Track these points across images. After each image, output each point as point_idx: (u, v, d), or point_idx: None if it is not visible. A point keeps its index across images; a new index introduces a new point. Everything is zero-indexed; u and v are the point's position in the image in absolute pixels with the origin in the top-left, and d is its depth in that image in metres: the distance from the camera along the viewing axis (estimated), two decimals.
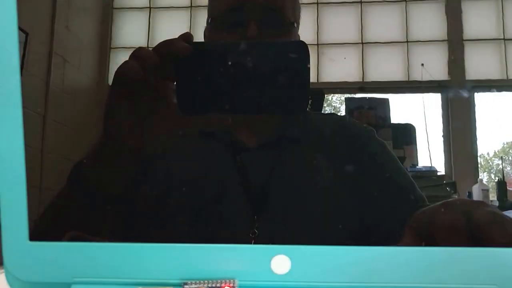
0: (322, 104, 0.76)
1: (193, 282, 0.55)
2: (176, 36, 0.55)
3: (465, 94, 0.85)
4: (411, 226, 0.47)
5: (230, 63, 0.52)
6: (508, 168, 0.93)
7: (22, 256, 0.57)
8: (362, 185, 0.66)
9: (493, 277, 0.50)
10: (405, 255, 0.51)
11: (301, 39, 0.76)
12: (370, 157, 0.69)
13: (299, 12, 0.72)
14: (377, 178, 0.67)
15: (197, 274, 0.55)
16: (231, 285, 0.53)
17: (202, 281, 0.55)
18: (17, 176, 0.56)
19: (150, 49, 0.59)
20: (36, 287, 0.57)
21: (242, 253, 0.55)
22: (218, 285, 0.54)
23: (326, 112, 0.80)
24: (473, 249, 0.49)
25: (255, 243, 0.60)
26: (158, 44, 0.54)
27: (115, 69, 0.64)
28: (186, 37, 0.53)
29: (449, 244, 0.40)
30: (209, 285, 0.54)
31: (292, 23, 0.68)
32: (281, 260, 0.53)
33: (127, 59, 0.60)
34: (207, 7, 0.70)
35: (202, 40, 0.72)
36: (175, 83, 0.55)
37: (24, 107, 0.67)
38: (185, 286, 0.55)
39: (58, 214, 0.61)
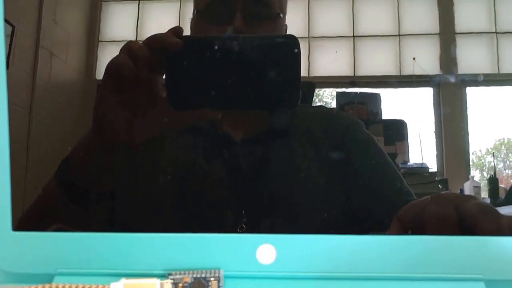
0: (312, 96, 0.76)
1: (178, 272, 0.54)
2: (166, 30, 0.55)
3: (457, 88, 0.85)
4: (399, 217, 0.46)
5: (220, 57, 0.52)
6: (501, 165, 0.93)
7: (5, 247, 0.55)
8: (350, 176, 0.65)
9: (479, 266, 0.49)
10: (390, 244, 0.50)
11: (292, 32, 0.76)
12: (358, 148, 0.68)
13: (286, 2, 0.72)
14: (365, 168, 0.67)
15: (182, 264, 0.54)
16: (216, 275, 0.52)
17: (187, 272, 0.54)
18: (0, 166, 0.55)
19: (140, 42, 0.58)
20: (19, 278, 0.56)
21: (227, 242, 0.54)
22: (203, 275, 0.53)
23: (316, 105, 0.79)
24: (459, 238, 0.48)
25: None
26: (149, 38, 0.54)
27: (104, 63, 0.63)
28: (176, 31, 0.52)
29: (438, 233, 0.39)
30: (194, 276, 0.53)
31: (278, 14, 0.68)
32: (266, 250, 0.52)
33: (115, 52, 0.59)
34: None
35: (189, 31, 0.72)
36: (164, 78, 0.54)
37: (10, 102, 0.66)
38: (170, 277, 0.53)
39: (43, 209, 0.60)
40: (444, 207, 0.41)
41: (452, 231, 0.39)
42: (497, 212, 0.41)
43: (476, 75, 0.86)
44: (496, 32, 0.86)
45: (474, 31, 0.89)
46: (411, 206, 0.48)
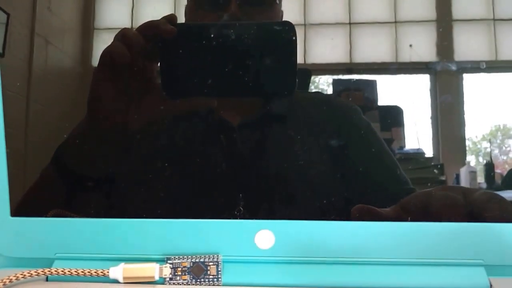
0: (309, 83, 0.76)
1: (177, 257, 0.54)
2: (161, 17, 0.54)
3: (454, 75, 0.85)
4: (402, 204, 0.46)
5: (215, 45, 0.52)
6: (496, 151, 0.93)
7: (4, 232, 0.56)
8: (348, 162, 0.66)
9: (480, 251, 0.49)
10: (390, 230, 0.50)
11: (288, 19, 0.76)
12: (356, 133, 0.69)
13: None
14: (363, 155, 0.67)
15: (180, 249, 0.54)
16: (215, 260, 0.52)
17: (185, 256, 0.54)
18: None
19: (134, 29, 0.58)
20: (19, 262, 0.56)
21: (226, 228, 0.54)
22: (201, 260, 0.53)
23: (312, 91, 0.79)
24: (460, 224, 0.49)
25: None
26: (142, 25, 0.54)
27: (100, 50, 0.62)
28: (170, 18, 0.52)
29: (445, 219, 0.40)
30: (193, 260, 0.53)
31: (274, 0, 0.68)
32: (265, 235, 0.52)
33: (111, 40, 0.59)
34: None
35: (183, 18, 0.72)
36: (159, 65, 0.54)
37: (8, 89, 0.66)
38: (169, 261, 0.54)
39: (42, 195, 0.61)
40: (452, 193, 0.41)
41: (459, 217, 0.40)
42: (506, 200, 0.41)
43: (473, 62, 0.86)
44: (494, 19, 0.86)
45: (472, 17, 0.88)
46: (416, 194, 0.48)
